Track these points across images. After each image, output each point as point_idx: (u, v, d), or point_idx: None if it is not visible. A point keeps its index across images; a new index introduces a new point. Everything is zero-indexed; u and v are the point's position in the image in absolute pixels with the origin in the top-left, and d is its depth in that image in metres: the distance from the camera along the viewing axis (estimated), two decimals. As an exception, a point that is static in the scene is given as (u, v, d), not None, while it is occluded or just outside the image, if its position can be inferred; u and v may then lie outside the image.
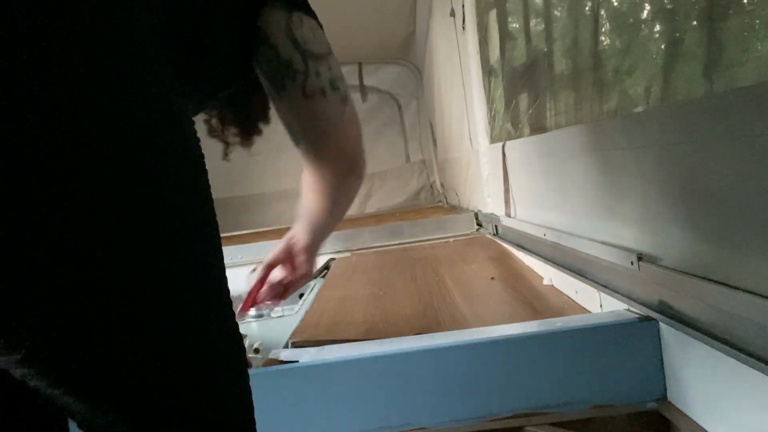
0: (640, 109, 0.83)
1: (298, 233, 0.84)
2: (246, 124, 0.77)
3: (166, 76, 0.41)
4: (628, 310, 0.77)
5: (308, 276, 0.88)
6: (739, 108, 0.51)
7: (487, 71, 1.83)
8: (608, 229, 0.86)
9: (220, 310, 0.42)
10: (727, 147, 0.53)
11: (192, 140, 0.42)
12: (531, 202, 1.38)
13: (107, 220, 0.33)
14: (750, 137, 0.50)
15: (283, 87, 0.63)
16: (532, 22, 1.38)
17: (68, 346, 0.33)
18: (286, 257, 0.86)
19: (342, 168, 0.69)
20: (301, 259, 0.85)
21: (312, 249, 0.86)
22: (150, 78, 0.38)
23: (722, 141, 0.54)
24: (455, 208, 2.89)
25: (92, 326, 0.33)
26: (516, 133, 1.51)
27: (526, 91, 1.44)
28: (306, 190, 0.77)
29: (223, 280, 0.43)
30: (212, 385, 0.41)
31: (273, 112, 0.76)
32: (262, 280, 0.87)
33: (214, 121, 0.79)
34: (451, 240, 2.13)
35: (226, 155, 0.81)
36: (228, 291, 0.44)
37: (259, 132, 0.79)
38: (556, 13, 1.20)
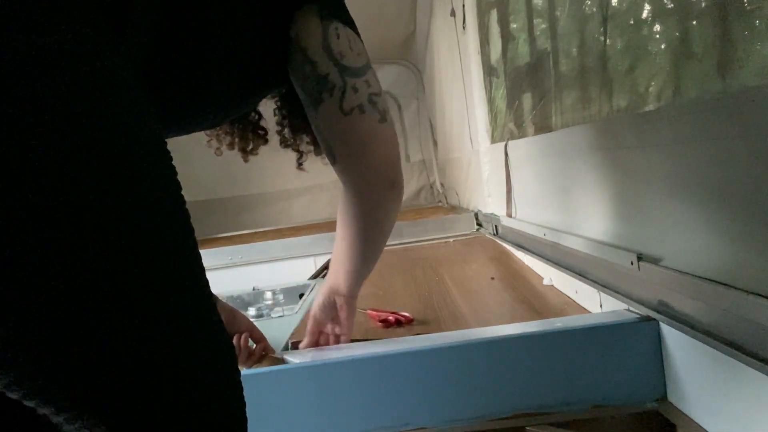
0: (648, 107, 0.83)
1: (338, 285, 0.79)
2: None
3: (132, 96, 0.39)
4: (628, 310, 0.77)
5: (350, 333, 0.85)
6: (754, 107, 0.51)
7: (488, 71, 1.83)
8: (608, 229, 0.86)
9: (203, 316, 0.42)
10: (741, 146, 0.53)
11: (161, 152, 0.41)
12: (534, 202, 1.38)
13: (86, 238, 0.33)
14: (762, 136, 0.50)
15: (321, 101, 0.62)
16: (536, 21, 1.37)
17: (49, 361, 0.33)
18: (330, 314, 0.83)
19: (379, 188, 0.65)
20: (343, 315, 0.82)
21: (353, 301, 0.82)
22: (114, 98, 0.37)
23: (736, 140, 0.53)
24: (455, 208, 2.89)
25: (72, 338, 0.33)
26: (519, 133, 1.51)
27: (530, 90, 1.43)
28: (340, 226, 0.74)
29: (205, 285, 0.43)
30: (198, 391, 0.40)
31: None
32: (316, 343, 0.85)
33: (286, 131, 0.79)
34: (451, 240, 2.14)
35: (300, 165, 0.81)
36: (211, 299, 0.43)
37: None
38: (560, 11, 1.20)
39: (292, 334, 0.98)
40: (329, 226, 2.82)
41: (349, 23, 0.64)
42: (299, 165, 0.82)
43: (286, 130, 0.79)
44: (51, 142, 0.32)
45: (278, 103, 0.79)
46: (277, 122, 0.79)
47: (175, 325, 0.39)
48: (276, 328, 1.02)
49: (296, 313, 1.18)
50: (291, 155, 0.83)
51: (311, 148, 0.79)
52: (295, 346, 0.90)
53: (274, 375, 0.74)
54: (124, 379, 0.35)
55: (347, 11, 0.65)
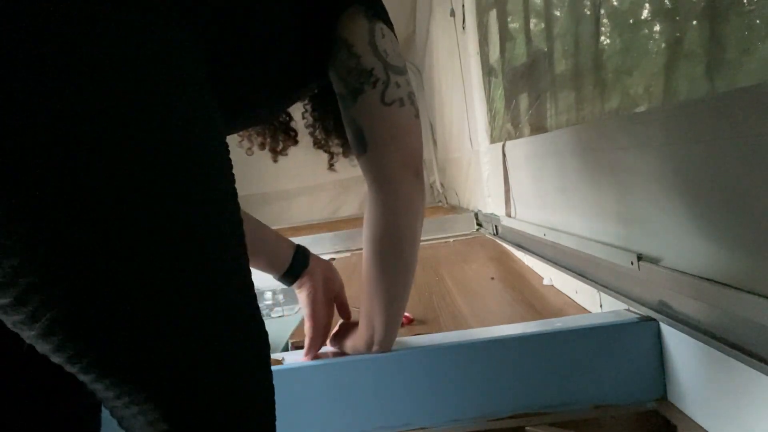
0: (641, 108, 0.83)
1: (377, 339, 0.73)
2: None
3: (201, 91, 0.43)
4: (628, 310, 0.77)
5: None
6: (743, 108, 0.51)
7: (487, 71, 1.83)
8: (608, 229, 0.86)
9: (249, 306, 0.46)
10: (731, 147, 0.53)
11: (219, 145, 0.44)
12: (531, 202, 1.38)
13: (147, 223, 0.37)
14: (754, 137, 0.50)
15: (362, 91, 0.64)
16: (533, 22, 1.38)
17: (118, 343, 0.37)
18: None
19: (406, 176, 0.66)
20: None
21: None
22: (183, 96, 0.40)
23: (726, 141, 0.54)
24: (455, 208, 2.89)
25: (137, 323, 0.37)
26: (516, 133, 1.51)
27: (526, 90, 1.44)
28: (368, 240, 0.68)
29: (249, 278, 0.46)
30: (239, 376, 0.44)
31: None
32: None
33: (318, 132, 0.81)
34: (451, 240, 2.14)
35: (331, 166, 0.84)
36: (253, 288, 0.47)
37: None
38: (556, 12, 1.20)
39: (292, 334, 0.98)
40: (329, 226, 2.82)
41: (391, 27, 0.67)
42: (330, 166, 0.84)
43: (317, 132, 0.81)
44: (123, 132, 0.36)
45: (308, 107, 0.81)
46: (307, 125, 0.81)
47: (226, 316, 0.43)
48: (276, 328, 1.02)
49: (296, 313, 1.18)
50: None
51: (340, 150, 0.81)
52: (295, 346, 0.90)
53: (273, 375, 0.74)
54: (169, 360, 0.39)
55: (388, 15, 0.68)
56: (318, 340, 0.78)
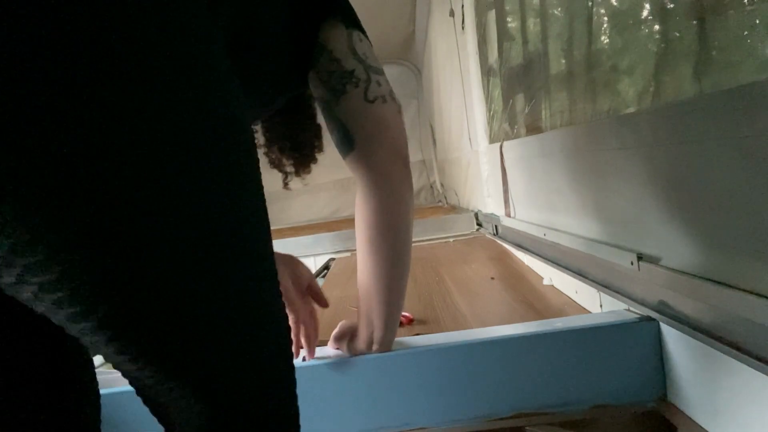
0: (632, 109, 0.83)
1: (377, 338, 0.74)
2: (302, 153, 0.82)
3: (231, 80, 0.44)
4: (628, 310, 0.77)
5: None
6: (730, 109, 0.51)
7: (486, 71, 1.83)
8: (608, 229, 0.86)
9: (275, 302, 0.48)
10: (718, 148, 0.53)
11: (248, 141, 0.46)
12: (529, 202, 1.38)
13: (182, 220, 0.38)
14: (740, 138, 0.50)
15: (344, 91, 0.67)
16: (530, 23, 1.38)
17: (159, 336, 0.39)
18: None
19: (396, 166, 0.69)
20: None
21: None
22: (217, 86, 0.42)
23: (713, 142, 0.54)
24: (455, 208, 2.90)
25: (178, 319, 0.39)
26: (513, 134, 1.51)
27: (522, 91, 1.44)
28: (361, 235, 0.70)
29: (275, 270, 0.48)
30: (268, 366, 0.47)
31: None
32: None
33: (272, 153, 0.83)
34: (451, 240, 2.14)
35: (286, 185, 0.86)
36: (278, 284, 0.49)
37: (314, 159, 0.84)
38: (554, 12, 1.20)
39: (292, 334, 0.98)
40: (329, 226, 2.82)
41: (366, 35, 0.71)
42: (285, 185, 0.86)
43: (271, 153, 0.83)
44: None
45: (261, 129, 0.83)
46: (259, 144, 0.83)
47: (256, 314, 0.45)
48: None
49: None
50: None
51: (293, 170, 0.84)
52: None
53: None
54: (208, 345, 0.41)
55: (362, 26, 0.71)
56: (312, 338, 0.78)
